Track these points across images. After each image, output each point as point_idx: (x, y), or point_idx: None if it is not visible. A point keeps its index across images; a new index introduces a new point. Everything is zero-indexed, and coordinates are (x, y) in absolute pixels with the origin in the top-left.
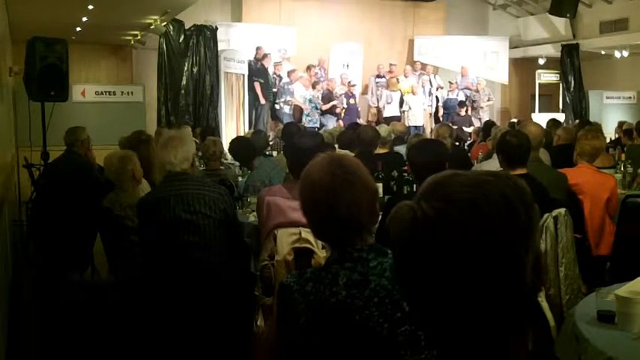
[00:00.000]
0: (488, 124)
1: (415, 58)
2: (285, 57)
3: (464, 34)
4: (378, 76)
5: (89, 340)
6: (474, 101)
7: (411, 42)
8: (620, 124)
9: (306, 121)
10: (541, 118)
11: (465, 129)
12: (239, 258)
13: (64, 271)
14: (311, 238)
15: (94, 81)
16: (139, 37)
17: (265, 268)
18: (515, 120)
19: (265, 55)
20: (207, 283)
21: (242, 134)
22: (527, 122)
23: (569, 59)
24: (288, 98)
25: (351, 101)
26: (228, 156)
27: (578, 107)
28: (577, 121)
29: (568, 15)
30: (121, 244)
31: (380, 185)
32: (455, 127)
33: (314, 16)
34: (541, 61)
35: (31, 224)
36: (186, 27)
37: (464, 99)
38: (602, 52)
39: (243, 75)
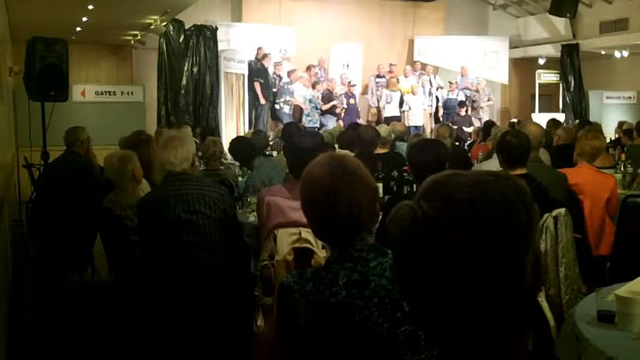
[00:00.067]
0: (488, 124)
1: (415, 58)
2: (285, 57)
3: (464, 34)
4: (378, 76)
5: (89, 340)
6: (474, 101)
7: (411, 42)
8: (620, 124)
9: (306, 121)
10: (541, 118)
11: (465, 129)
12: (239, 258)
13: (64, 271)
14: (311, 238)
15: (94, 81)
16: (139, 37)
17: (265, 268)
18: (515, 120)
19: (265, 55)
20: (207, 283)
21: (242, 134)
22: (527, 122)
23: (569, 59)
24: (288, 98)
25: (351, 101)
26: (228, 156)
27: (578, 107)
28: (577, 121)
29: (568, 15)
30: (121, 244)
31: (380, 185)
32: (455, 127)
33: (314, 16)
34: (541, 61)
35: (31, 224)
36: (186, 27)
37: (464, 99)
38: (602, 52)
39: (243, 75)
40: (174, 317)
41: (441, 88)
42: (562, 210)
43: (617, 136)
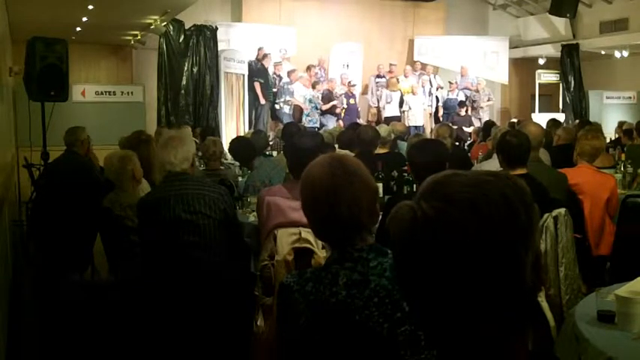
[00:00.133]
0: (488, 124)
1: (415, 58)
2: (285, 57)
3: (464, 34)
4: (378, 76)
5: (89, 340)
6: (474, 101)
7: (411, 42)
8: (620, 124)
9: (306, 121)
10: (541, 118)
11: (465, 129)
12: (239, 258)
13: (64, 271)
14: (311, 238)
15: (94, 81)
16: (139, 37)
17: (265, 268)
18: (515, 120)
19: (265, 55)
20: (207, 283)
21: (242, 134)
22: (527, 122)
23: (569, 59)
24: (288, 98)
25: (351, 101)
26: (228, 156)
27: (578, 107)
28: (577, 121)
29: (568, 15)
30: (121, 244)
31: (380, 185)
32: (455, 127)
33: (314, 16)
34: (541, 61)
35: (31, 224)
36: (186, 27)
37: (464, 99)
38: (602, 52)
39: (243, 75)
40: (175, 317)
41: (441, 88)
42: (562, 210)
43: (617, 136)
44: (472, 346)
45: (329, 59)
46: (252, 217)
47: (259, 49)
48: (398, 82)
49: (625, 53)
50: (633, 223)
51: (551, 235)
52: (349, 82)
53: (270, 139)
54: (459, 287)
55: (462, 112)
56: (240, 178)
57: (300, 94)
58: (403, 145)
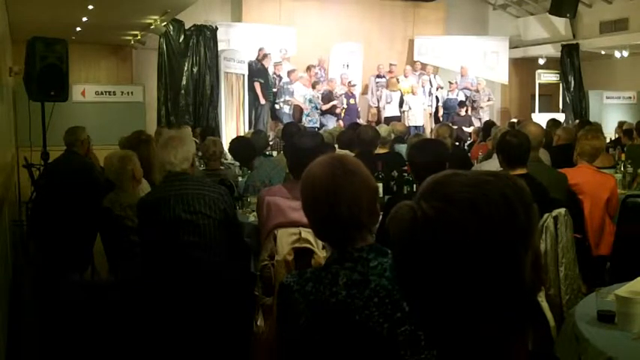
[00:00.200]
0: (488, 124)
1: (415, 58)
2: (285, 57)
3: (464, 34)
4: (378, 76)
5: (89, 340)
6: (474, 101)
7: (411, 42)
8: (620, 124)
9: (306, 121)
10: (541, 118)
11: (465, 129)
12: (239, 258)
13: (64, 271)
14: (311, 238)
15: (94, 81)
16: (139, 37)
17: (265, 268)
18: (515, 120)
19: (265, 55)
20: (207, 283)
21: (242, 134)
22: (527, 122)
23: (569, 59)
24: (288, 98)
25: (351, 101)
26: (228, 156)
27: (578, 107)
28: (577, 121)
29: (568, 15)
30: (121, 244)
31: (380, 185)
32: (455, 127)
33: (314, 16)
34: (541, 61)
35: (31, 224)
36: (186, 27)
37: (464, 99)
38: (602, 52)
39: (243, 75)
40: (175, 317)
41: (441, 88)
42: (562, 210)
43: (617, 136)
44: (472, 346)
45: (329, 59)
46: (252, 217)
47: (260, 50)
48: (398, 82)
49: (625, 53)
50: (633, 223)
51: (551, 235)
52: (349, 82)
53: (270, 139)
54: (459, 287)
55: (462, 112)
56: (240, 178)
57: (300, 94)
58: (402, 148)
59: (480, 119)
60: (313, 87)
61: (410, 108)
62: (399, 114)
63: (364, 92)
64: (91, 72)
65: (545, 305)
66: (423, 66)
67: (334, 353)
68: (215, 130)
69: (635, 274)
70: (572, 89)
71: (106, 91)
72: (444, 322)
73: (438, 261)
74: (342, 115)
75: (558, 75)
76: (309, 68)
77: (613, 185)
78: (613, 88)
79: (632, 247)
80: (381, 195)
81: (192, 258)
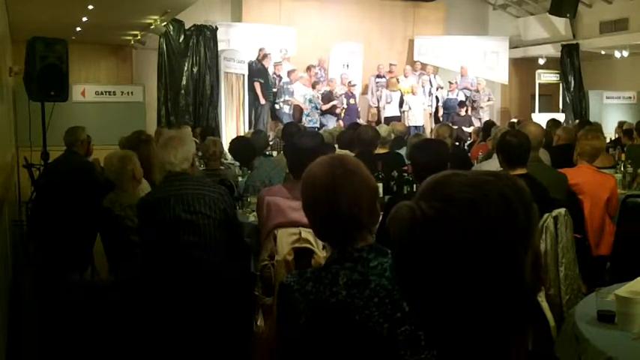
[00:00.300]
0: (488, 124)
1: (415, 58)
2: (285, 57)
3: (464, 34)
4: (378, 76)
5: (89, 340)
6: (474, 101)
7: (411, 42)
8: (620, 124)
9: (306, 121)
10: (541, 118)
11: (465, 129)
12: (239, 258)
13: (64, 271)
14: (311, 238)
15: (94, 81)
16: (139, 37)
17: (265, 268)
18: (515, 120)
19: (265, 55)
20: (207, 283)
21: (242, 134)
22: (527, 122)
23: (569, 59)
24: (288, 98)
25: (351, 101)
26: (228, 156)
27: (578, 107)
28: (577, 121)
29: (568, 15)
30: (121, 244)
31: (380, 185)
32: (455, 127)
33: (314, 16)
34: (541, 61)
35: (31, 224)
36: (186, 27)
37: (464, 99)
38: (602, 52)
39: (243, 75)
40: (175, 317)
41: (441, 88)
42: (562, 210)
43: (617, 136)
44: (472, 346)
45: (329, 59)
46: (252, 217)
47: (260, 50)
48: (398, 82)
49: (625, 53)
50: (633, 223)
51: (551, 235)
52: (349, 82)
53: (270, 139)
54: (459, 287)
55: (462, 112)
56: (240, 178)
57: (300, 94)
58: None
59: (480, 119)
60: (313, 87)
61: (410, 108)
62: (399, 114)
63: (364, 92)
64: (91, 72)
65: (545, 305)
66: (423, 66)
67: (334, 353)
68: (215, 130)
69: (635, 274)
70: (572, 89)
71: (106, 91)
72: (444, 322)
73: (437, 261)
74: (342, 115)
75: (558, 75)
76: (309, 68)
77: (613, 185)
78: (613, 88)
79: (632, 247)
80: (381, 195)
81: (192, 258)
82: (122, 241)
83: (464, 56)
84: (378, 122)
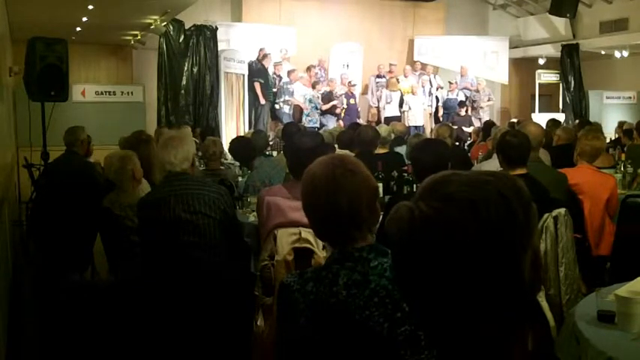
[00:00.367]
0: (488, 124)
1: (415, 58)
2: (285, 57)
3: (464, 34)
4: (378, 76)
5: (89, 340)
6: (474, 101)
7: (411, 42)
8: (620, 124)
9: (306, 121)
10: (541, 118)
11: (465, 129)
12: (239, 258)
13: (64, 271)
14: (311, 238)
15: (94, 81)
16: (139, 37)
17: (265, 268)
18: (515, 120)
19: (265, 55)
20: (207, 283)
21: (242, 134)
22: (527, 122)
23: (569, 59)
24: (288, 98)
25: (351, 101)
26: (228, 156)
27: (578, 107)
28: (577, 121)
29: (568, 15)
30: (121, 244)
31: (380, 185)
32: (455, 127)
33: (314, 16)
34: (541, 61)
35: (31, 224)
36: (186, 27)
37: (464, 99)
38: (602, 52)
39: (243, 75)
40: (175, 317)
41: (441, 88)
42: (562, 210)
43: (617, 136)
44: (472, 346)
45: (329, 59)
46: (252, 217)
47: (260, 50)
48: (398, 82)
49: (625, 53)
50: (633, 223)
51: (551, 235)
52: (349, 82)
53: (270, 139)
54: (458, 287)
55: (462, 112)
56: (240, 178)
57: (300, 94)
58: (401, 149)
59: (480, 119)
60: (313, 87)
61: (410, 108)
62: (399, 114)
63: (364, 92)
64: (91, 72)
65: (545, 305)
66: (423, 66)
67: (334, 353)
68: (215, 130)
69: (635, 274)
70: (572, 89)
71: (106, 91)
72: (444, 322)
73: (436, 261)
74: (342, 115)
75: (558, 75)
76: (309, 68)
77: (613, 185)
78: (613, 88)
79: (632, 247)
80: (381, 195)
81: (192, 258)
82: (122, 241)
83: (464, 56)
84: (378, 122)
